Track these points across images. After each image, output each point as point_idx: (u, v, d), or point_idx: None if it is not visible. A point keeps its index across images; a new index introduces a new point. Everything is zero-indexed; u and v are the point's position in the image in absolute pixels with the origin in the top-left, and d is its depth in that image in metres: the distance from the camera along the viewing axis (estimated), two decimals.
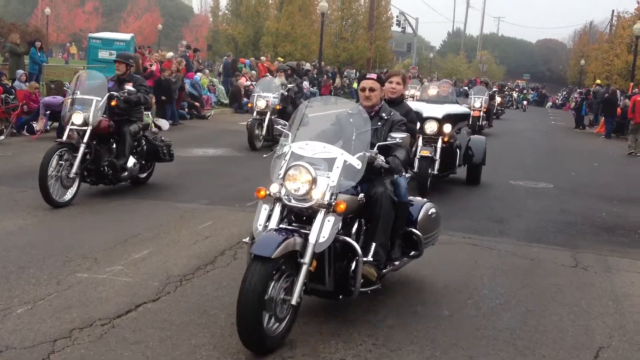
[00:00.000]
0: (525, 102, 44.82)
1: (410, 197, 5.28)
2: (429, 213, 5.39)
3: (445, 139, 9.98)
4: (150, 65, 18.87)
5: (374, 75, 5.21)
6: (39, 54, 18.63)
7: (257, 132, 13.73)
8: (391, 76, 5.87)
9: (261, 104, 13.79)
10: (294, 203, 4.33)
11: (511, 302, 5.39)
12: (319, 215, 4.21)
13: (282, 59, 33.75)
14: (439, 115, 10.14)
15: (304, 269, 4.11)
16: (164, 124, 16.61)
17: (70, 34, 69.09)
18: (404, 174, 5.19)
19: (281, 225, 4.34)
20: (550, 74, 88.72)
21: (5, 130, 13.14)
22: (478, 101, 21.00)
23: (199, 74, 22.37)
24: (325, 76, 35.31)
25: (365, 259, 4.57)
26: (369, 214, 4.79)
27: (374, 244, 4.75)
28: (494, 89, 29.68)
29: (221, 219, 7.49)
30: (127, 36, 27.64)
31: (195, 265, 5.80)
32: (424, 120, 9.81)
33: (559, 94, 59.87)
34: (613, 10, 48.01)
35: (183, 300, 4.98)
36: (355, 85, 38.26)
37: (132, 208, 7.91)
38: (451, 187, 10.83)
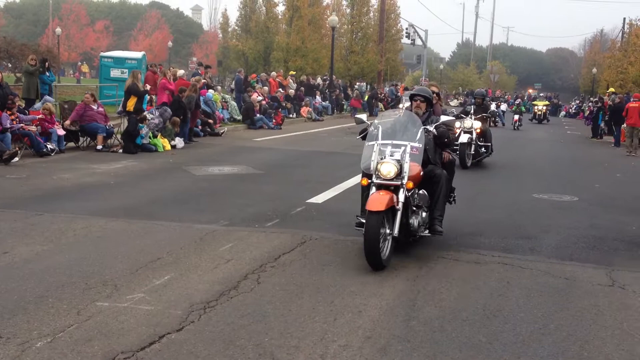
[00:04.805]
0: (516, 117, 32.86)
1: None
2: None
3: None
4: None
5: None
6: (47, 74, 18.66)
7: None
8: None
9: None
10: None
11: (550, 326, 5.14)
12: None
13: (293, 73, 33.73)
14: None
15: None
16: (179, 142, 16.53)
17: (81, 52, 69.68)
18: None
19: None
20: (562, 83, 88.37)
21: (19, 152, 13.03)
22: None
23: (211, 90, 22.29)
24: (337, 90, 35.19)
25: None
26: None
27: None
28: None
29: (242, 241, 7.29)
30: (138, 54, 27.79)
31: (218, 291, 5.59)
32: None
33: (572, 103, 59.50)
34: (625, 18, 47.76)
35: (207, 329, 4.76)
36: (366, 98, 38.13)
37: (150, 230, 7.72)
38: (476, 200, 10.60)
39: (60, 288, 5.50)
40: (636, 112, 21.55)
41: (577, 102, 58.21)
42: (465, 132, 14.75)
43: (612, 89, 34.30)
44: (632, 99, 23.45)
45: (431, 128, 7.10)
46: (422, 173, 6.81)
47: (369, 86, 45.36)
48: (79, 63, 65.98)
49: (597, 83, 53.00)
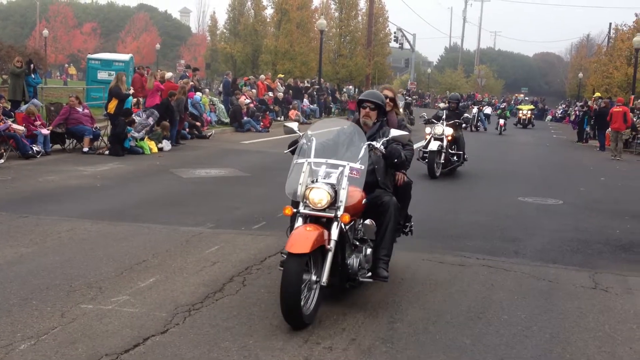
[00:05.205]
0: (502, 122, 32.01)
1: None
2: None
3: None
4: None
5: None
6: (32, 76, 18.53)
7: None
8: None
9: None
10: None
11: (533, 328, 5.18)
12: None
13: (282, 76, 33.76)
14: None
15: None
16: (166, 144, 16.49)
17: (68, 54, 69.31)
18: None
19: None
20: (549, 87, 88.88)
21: (4, 154, 12.95)
22: None
23: (199, 93, 22.26)
24: (325, 94, 35.25)
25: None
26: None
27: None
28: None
29: (228, 244, 7.29)
30: (126, 56, 27.62)
31: (203, 293, 5.59)
32: None
33: (559, 107, 59.91)
34: (610, 23, 48.13)
35: (192, 332, 4.76)
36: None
37: (136, 233, 7.70)
38: (462, 203, 10.65)
39: (44, 290, 5.48)
40: (620, 117, 21.87)
41: (564, 106, 58.64)
42: (435, 139, 13.71)
43: (598, 94, 34.54)
44: (616, 104, 23.72)
45: (378, 145, 5.46)
46: (364, 201, 5.39)
47: (357, 89, 45.43)
48: (66, 65, 65.70)
49: (583, 87, 53.39)
